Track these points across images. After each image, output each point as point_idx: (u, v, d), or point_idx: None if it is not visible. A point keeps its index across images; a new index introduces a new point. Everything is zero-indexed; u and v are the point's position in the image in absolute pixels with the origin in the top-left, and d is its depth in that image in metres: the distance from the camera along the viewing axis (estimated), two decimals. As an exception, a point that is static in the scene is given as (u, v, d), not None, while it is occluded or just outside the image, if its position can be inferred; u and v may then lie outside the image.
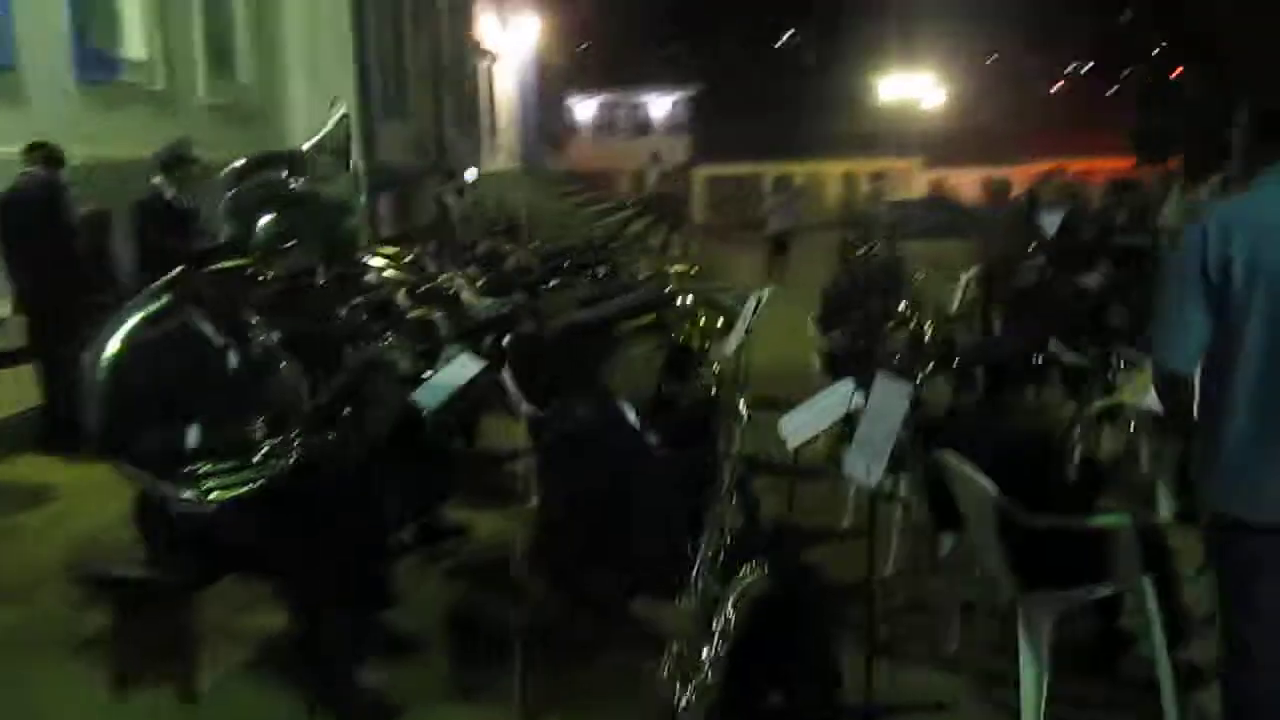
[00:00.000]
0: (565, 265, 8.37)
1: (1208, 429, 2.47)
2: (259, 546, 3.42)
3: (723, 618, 2.88)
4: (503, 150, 22.33)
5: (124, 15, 9.55)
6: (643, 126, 39.58)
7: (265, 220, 3.73)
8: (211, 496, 3.36)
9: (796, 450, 4.43)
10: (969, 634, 3.91)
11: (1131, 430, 3.75)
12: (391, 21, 15.27)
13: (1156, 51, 34.38)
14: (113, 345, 3.44)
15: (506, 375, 4.87)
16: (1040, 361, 3.75)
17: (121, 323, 3.49)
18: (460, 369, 4.62)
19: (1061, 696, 3.32)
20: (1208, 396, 2.46)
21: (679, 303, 4.36)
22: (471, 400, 5.06)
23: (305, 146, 3.90)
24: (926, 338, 4.98)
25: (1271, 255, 2.34)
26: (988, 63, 47.14)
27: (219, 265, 3.50)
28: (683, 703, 2.77)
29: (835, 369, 5.13)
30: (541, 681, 3.41)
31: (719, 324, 4.69)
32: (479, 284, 8.21)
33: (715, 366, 3.86)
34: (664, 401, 3.21)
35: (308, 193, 3.74)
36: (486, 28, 21.11)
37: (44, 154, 6.21)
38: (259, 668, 3.80)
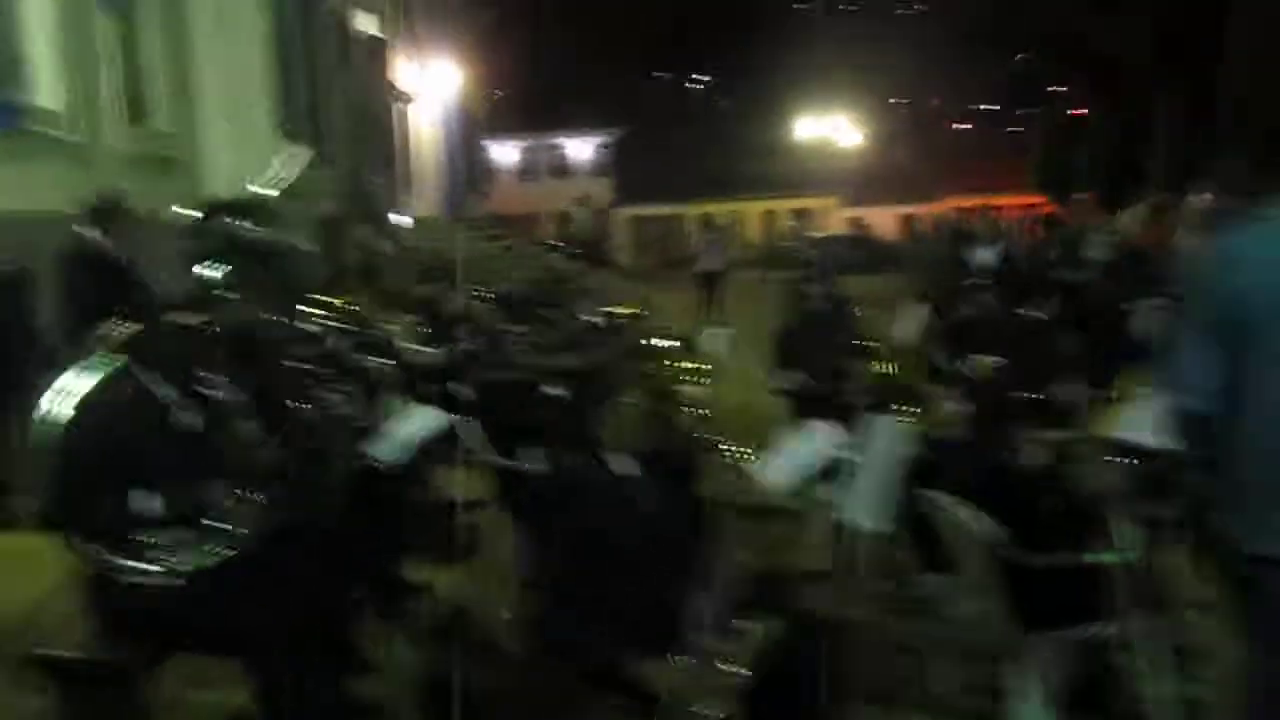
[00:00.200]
0: (521, 310, 8.18)
1: (1230, 466, 2.44)
2: (221, 620, 3.20)
3: (727, 674, 2.77)
4: (424, 195, 22.11)
5: (33, 63, 9.16)
6: (562, 169, 39.74)
7: (222, 271, 3.52)
8: (169, 568, 3.13)
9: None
10: (953, 676, 3.85)
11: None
12: (310, 67, 15.04)
13: (1054, 89, 35.75)
14: (61, 409, 3.19)
15: (470, 423, 4.70)
16: (1036, 397, 3.74)
17: (69, 385, 3.24)
18: (419, 421, 4.44)
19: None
20: (1228, 433, 2.42)
21: (662, 346, 4.26)
22: (426, 450, 4.89)
23: (268, 192, 3.71)
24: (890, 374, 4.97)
25: None
26: (896, 104, 48.60)
27: (174, 321, 3.29)
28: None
29: (802, 409, 5.07)
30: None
31: (697, 367, 4.58)
32: (419, 331, 8.00)
33: (696, 411, 3.78)
34: (657, 451, 3.10)
35: (272, 241, 3.56)
36: (406, 73, 20.97)
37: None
38: (217, 749, 3.56)
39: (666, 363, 3.75)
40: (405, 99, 21.04)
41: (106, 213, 6.04)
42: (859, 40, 44.46)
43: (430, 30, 22.77)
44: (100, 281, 5.71)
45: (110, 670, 3.26)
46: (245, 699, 3.42)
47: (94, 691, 3.34)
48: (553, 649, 2.97)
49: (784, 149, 41.31)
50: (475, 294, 10.53)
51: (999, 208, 20.53)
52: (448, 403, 5.68)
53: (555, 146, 40.13)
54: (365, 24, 17.62)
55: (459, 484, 5.79)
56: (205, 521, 3.19)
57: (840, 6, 51.51)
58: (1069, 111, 31.89)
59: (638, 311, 8.85)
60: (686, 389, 3.72)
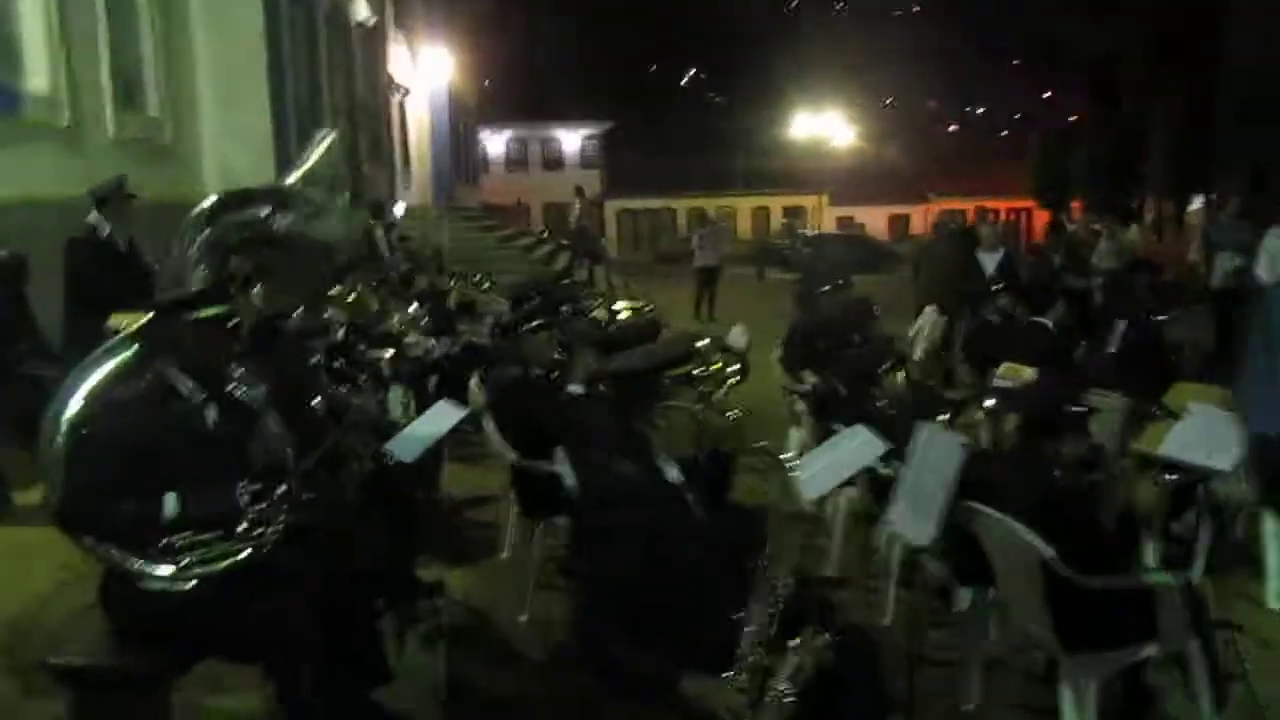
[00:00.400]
0: (537, 304, 8.06)
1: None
2: (242, 624, 3.07)
3: (779, 691, 2.66)
4: (417, 185, 21.90)
5: (25, 48, 8.93)
6: (554, 161, 39.54)
7: (242, 261, 3.37)
8: (192, 572, 2.99)
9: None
10: (987, 691, 3.76)
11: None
12: (306, 54, 14.80)
13: (1050, 95, 35.86)
14: (75, 404, 3.04)
15: (487, 420, 4.57)
16: (1081, 408, 3.64)
17: (84, 379, 3.09)
18: (440, 418, 4.31)
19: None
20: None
21: (700, 346, 4.15)
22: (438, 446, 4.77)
23: (290, 179, 3.56)
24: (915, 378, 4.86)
25: None
26: (891, 105, 48.60)
27: (196, 313, 3.14)
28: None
29: (822, 411, 4.95)
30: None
31: (734, 368, 4.48)
32: (422, 323, 7.89)
33: (733, 413, 3.65)
34: (700, 455, 2.98)
35: (293, 232, 3.41)
36: (399, 62, 20.74)
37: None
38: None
39: (704, 364, 3.62)
40: (402, 91, 20.84)
41: (111, 197, 5.87)
42: (855, 40, 44.43)
43: (423, 18, 22.55)
44: (104, 268, 5.55)
45: (128, 678, 3.12)
46: (261, 704, 3.30)
47: (111, 700, 3.19)
48: (606, 664, 2.84)
49: (777, 146, 41.24)
50: (476, 284, 10.45)
51: (996, 211, 20.54)
52: (456, 397, 5.57)
53: (546, 138, 39.93)
54: (360, 11, 17.39)
55: (474, 482, 5.68)
56: (227, 524, 3.05)
57: (840, 6, 51.56)
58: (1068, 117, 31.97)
59: (640, 306, 8.77)
60: (721, 390, 3.60)
